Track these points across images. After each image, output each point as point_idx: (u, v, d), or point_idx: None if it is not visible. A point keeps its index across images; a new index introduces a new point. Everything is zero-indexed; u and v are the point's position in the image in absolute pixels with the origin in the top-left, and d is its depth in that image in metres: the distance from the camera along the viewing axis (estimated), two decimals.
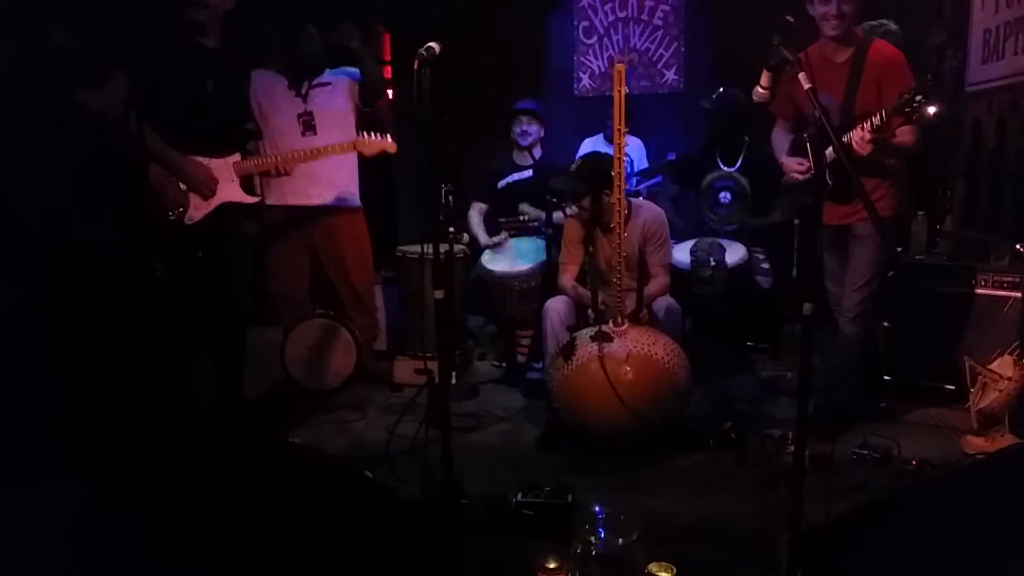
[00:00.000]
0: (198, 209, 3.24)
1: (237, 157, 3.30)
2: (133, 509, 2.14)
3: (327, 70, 3.88)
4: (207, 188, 3.23)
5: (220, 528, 2.11)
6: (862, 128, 2.88)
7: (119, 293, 3.13)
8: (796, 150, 3.31)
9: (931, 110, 2.70)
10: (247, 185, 3.34)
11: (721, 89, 4.55)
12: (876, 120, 2.83)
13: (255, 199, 3.36)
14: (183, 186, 3.21)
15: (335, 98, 3.84)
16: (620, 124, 3.07)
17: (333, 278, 4.01)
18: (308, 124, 3.79)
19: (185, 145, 3.20)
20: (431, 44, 2.40)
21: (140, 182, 3.10)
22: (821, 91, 3.04)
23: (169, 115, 3.13)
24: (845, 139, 2.93)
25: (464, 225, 4.48)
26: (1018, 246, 3.22)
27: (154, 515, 2.12)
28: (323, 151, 3.51)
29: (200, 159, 3.23)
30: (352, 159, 3.87)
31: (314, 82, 3.83)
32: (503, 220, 4.45)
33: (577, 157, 4.98)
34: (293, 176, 3.66)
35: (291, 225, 3.86)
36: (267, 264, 3.88)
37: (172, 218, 3.20)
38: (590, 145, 5.01)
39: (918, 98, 2.70)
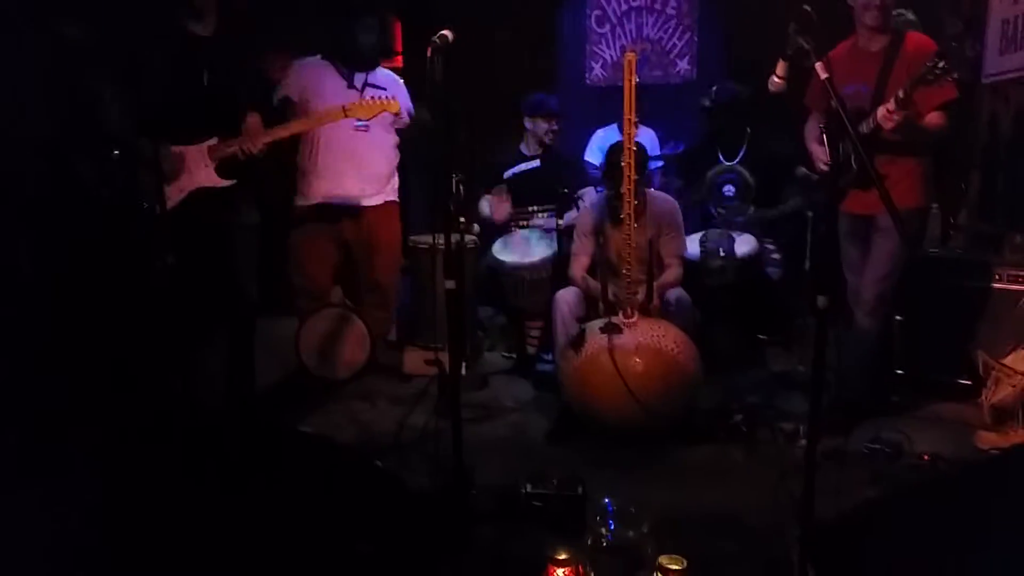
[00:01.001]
0: (168, 198, 3.10)
1: (213, 141, 3.20)
2: (146, 499, 2.14)
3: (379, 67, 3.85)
4: (171, 173, 3.12)
5: (232, 517, 2.12)
6: (887, 103, 2.88)
7: (127, 285, 3.13)
8: (823, 139, 3.31)
9: (955, 76, 2.70)
10: (224, 169, 3.22)
11: (716, 87, 4.53)
12: (900, 93, 2.83)
13: (228, 182, 3.23)
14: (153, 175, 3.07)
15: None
16: (630, 114, 3.06)
17: (360, 269, 3.98)
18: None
19: (164, 134, 3.09)
20: (444, 32, 2.39)
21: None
22: (853, 79, 3.07)
23: (151, 105, 3.04)
24: (871, 119, 2.94)
25: (474, 215, 4.46)
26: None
27: (166, 504, 2.13)
28: (302, 125, 3.42)
29: (174, 148, 3.14)
30: (393, 151, 3.88)
31: (370, 80, 3.77)
32: (512, 210, 4.43)
33: (588, 148, 5.00)
34: (341, 171, 3.70)
35: (325, 219, 3.82)
36: (295, 257, 3.86)
37: (145, 206, 3.07)
38: (602, 135, 4.98)
39: (941, 64, 2.68)
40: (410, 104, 3.92)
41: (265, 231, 3.51)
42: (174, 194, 3.17)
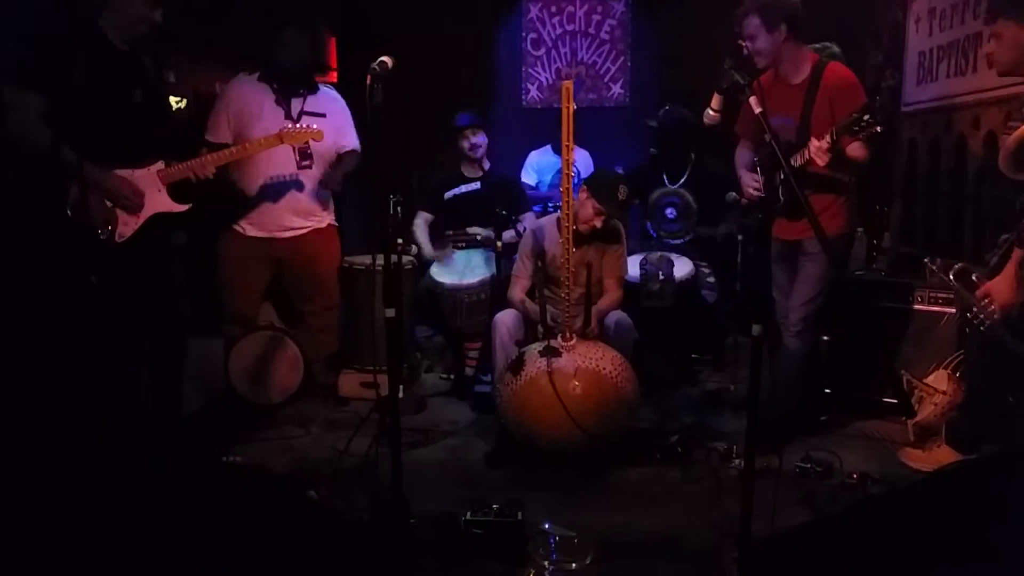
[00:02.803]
0: (127, 225, 3.05)
1: (161, 165, 3.10)
2: (64, 530, 2.05)
3: (320, 88, 3.76)
4: (133, 202, 3.04)
5: (156, 552, 2.03)
6: (819, 139, 2.95)
7: (53, 307, 2.99)
8: (755, 167, 3.38)
9: (878, 129, 2.78)
10: (175, 193, 3.14)
11: (667, 107, 4.60)
12: (827, 137, 2.91)
13: (184, 207, 3.16)
14: (108, 203, 3.00)
15: (328, 135, 3.63)
16: (568, 140, 3.08)
17: (305, 292, 3.91)
18: (304, 153, 3.62)
19: (105, 158, 2.97)
20: (383, 59, 2.35)
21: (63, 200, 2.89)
22: (779, 112, 3.13)
23: (88, 127, 2.86)
24: (803, 154, 3.01)
25: (409, 235, 4.43)
26: (926, 260, 3.34)
27: (85, 536, 2.03)
28: (246, 149, 3.32)
29: (122, 172, 3.02)
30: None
31: (306, 107, 3.66)
32: (450, 233, 4.40)
33: (524, 169, 5.03)
34: (281, 208, 3.66)
35: (259, 245, 3.73)
36: (227, 285, 3.76)
37: (101, 237, 2.99)
38: (537, 158, 5.02)
39: (866, 118, 2.77)
40: (355, 138, 3.84)
41: (193, 252, 3.40)
42: (130, 221, 3.06)
